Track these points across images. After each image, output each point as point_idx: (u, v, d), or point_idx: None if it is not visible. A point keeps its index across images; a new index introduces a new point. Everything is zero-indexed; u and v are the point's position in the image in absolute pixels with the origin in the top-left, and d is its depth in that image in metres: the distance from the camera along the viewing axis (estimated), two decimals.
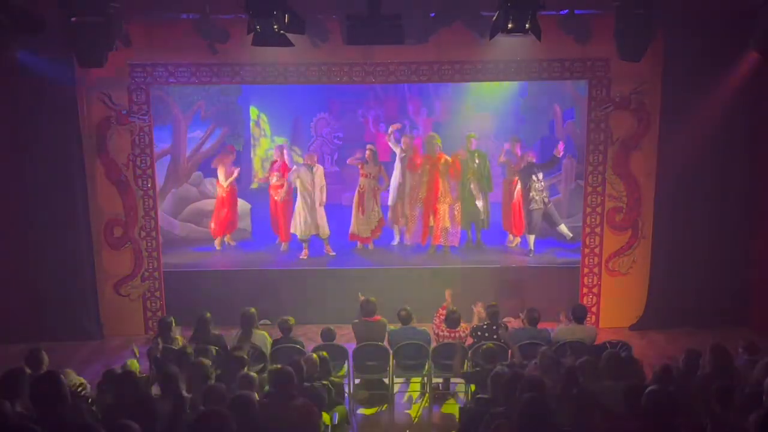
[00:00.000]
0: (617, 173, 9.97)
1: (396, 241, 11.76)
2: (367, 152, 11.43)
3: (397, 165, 11.53)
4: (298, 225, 11.11)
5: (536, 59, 9.52)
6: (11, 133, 9.56)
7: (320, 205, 11.06)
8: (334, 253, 11.22)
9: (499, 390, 5.58)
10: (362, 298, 8.21)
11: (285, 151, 11.73)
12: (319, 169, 11.14)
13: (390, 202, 11.65)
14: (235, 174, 11.78)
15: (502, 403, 5.35)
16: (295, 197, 11.23)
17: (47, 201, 9.64)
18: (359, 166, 11.48)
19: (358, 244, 11.51)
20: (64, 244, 9.77)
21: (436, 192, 11.18)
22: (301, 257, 11.10)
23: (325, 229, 11.17)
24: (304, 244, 11.15)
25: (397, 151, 11.53)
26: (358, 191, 11.43)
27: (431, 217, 11.22)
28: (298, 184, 11.10)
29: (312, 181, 11.01)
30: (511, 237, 11.83)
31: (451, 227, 11.24)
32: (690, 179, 9.77)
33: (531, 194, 11.01)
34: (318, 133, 14.69)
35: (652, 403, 4.88)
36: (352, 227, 11.46)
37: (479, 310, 8.24)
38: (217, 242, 11.82)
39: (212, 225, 11.90)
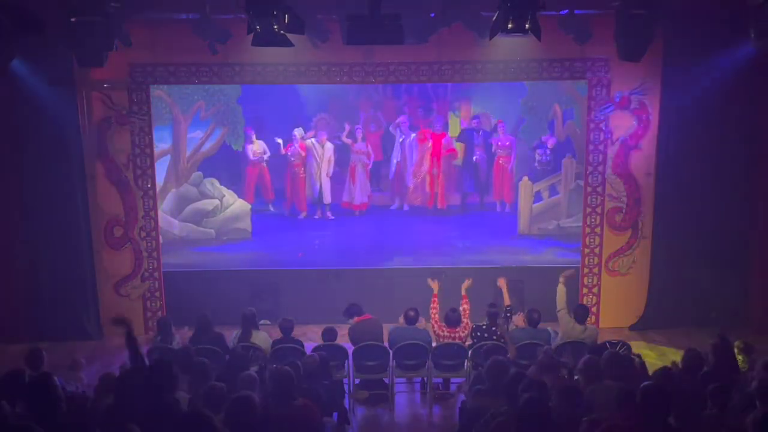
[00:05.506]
0: (617, 173, 9.97)
1: (396, 206, 13.26)
2: (359, 132, 12.78)
3: (397, 146, 13.19)
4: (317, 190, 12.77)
5: (536, 59, 9.53)
6: (11, 133, 9.57)
7: (327, 175, 12.66)
8: (332, 217, 12.78)
9: (496, 380, 5.59)
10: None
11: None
12: (330, 147, 12.69)
13: (391, 176, 13.26)
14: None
15: (501, 400, 5.34)
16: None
17: (47, 201, 9.64)
18: (351, 144, 12.77)
19: (355, 211, 12.89)
20: (64, 244, 9.78)
21: (439, 164, 12.68)
22: (328, 217, 12.76)
23: (325, 197, 12.77)
24: (326, 207, 12.89)
25: (398, 135, 13.11)
26: (351, 165, 12.83)
27: (436, 184, 12.77)
28: (313, 154, 12.68)
29: (321, 155, 12.60)
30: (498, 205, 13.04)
31: (446, 189, 12.91)
32: (690, 179, 9.78)
33: None
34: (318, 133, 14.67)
35: (645, 399, 4.78)
36: (346, 196, 12.93)
37: (502, 284, 8.48)
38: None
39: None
